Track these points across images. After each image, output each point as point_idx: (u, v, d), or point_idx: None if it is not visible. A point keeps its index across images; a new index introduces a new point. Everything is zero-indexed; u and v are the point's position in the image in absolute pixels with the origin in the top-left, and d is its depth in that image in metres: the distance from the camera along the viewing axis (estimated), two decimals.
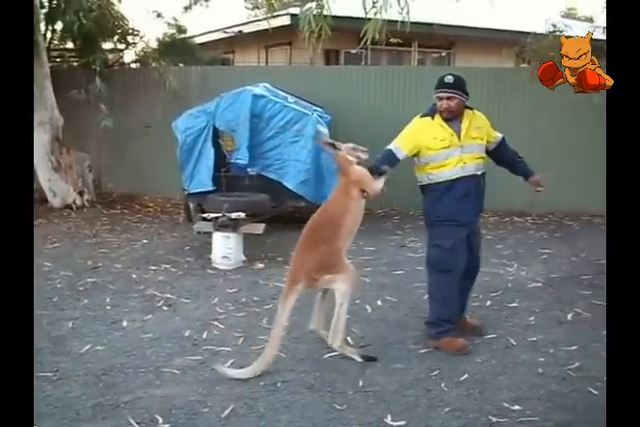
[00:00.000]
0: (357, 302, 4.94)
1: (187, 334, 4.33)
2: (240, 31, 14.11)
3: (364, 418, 3.20)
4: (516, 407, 3.29)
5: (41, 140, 8.59)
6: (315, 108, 7.54)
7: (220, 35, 14.61)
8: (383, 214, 8.47)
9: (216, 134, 7.38)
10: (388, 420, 3.17)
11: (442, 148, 3.95)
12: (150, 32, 11.08)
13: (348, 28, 6.76)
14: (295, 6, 12.17)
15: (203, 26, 14.44)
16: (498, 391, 3.48)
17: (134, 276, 5.71)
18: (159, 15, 11.35)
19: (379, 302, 4.97)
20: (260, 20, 12.85)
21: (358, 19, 5.63)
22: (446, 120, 3.99)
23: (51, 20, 9.66)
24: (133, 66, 11.02)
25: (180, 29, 12.04)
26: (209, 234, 6.17)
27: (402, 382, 3.59)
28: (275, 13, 8.08)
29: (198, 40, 13.57)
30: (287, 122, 7.01)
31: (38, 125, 8.56)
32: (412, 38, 12.47)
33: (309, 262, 3.76)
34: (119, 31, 10.46)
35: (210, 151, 7.26)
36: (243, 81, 7.95)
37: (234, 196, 6.60)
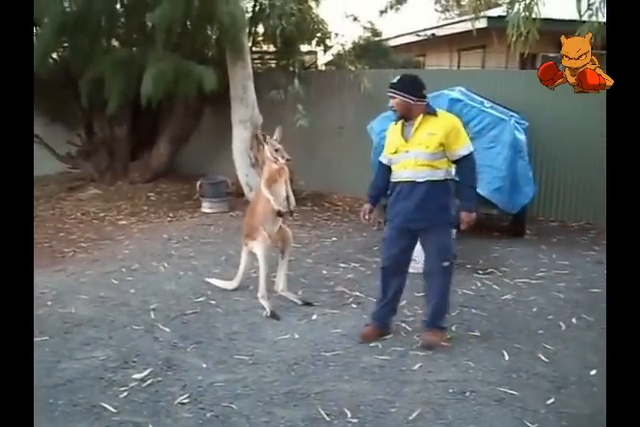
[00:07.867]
0: (550, 317, 4.74)
1: None
2: (433, 34, 14.05)
3: None
4: None
5: (241, 136, 9.11)
6: (511, 113, 7.27)
7: (412, 38, 14.64)
8: (577, 228, 7.99)
9: None
10: None
11: (390, 153, 4.12)
12: (345, 35, 11.37)
13: (545, 31, 6.49)
14: (492, 9, 11.92)
15: (395, 29, 14.59)
16: None
17: (324, 272, 5.88)
18: (355, 19, 11.60)
19: (573, 320, 4.72)
20: (458, 22, 12.71)
21: (558, 21, 5.39)
22: (403, 124, 4.07)
23: (253, 24, 10.25)
24: (326, 68, 11.35)
25: (375, 33, 12.22)
26: None
27: (599, 408, 3.36)
28: (473, 16, 7.93)
29: (391, 43, 13.73)
30: (483, 127, 6.78)
31: (240, 123, 9.09)
32: None
33: (245, 230, 5.18)
34: (318, 35, 10.86)
35: None
36: (436, 84, 7.83)
37: None
